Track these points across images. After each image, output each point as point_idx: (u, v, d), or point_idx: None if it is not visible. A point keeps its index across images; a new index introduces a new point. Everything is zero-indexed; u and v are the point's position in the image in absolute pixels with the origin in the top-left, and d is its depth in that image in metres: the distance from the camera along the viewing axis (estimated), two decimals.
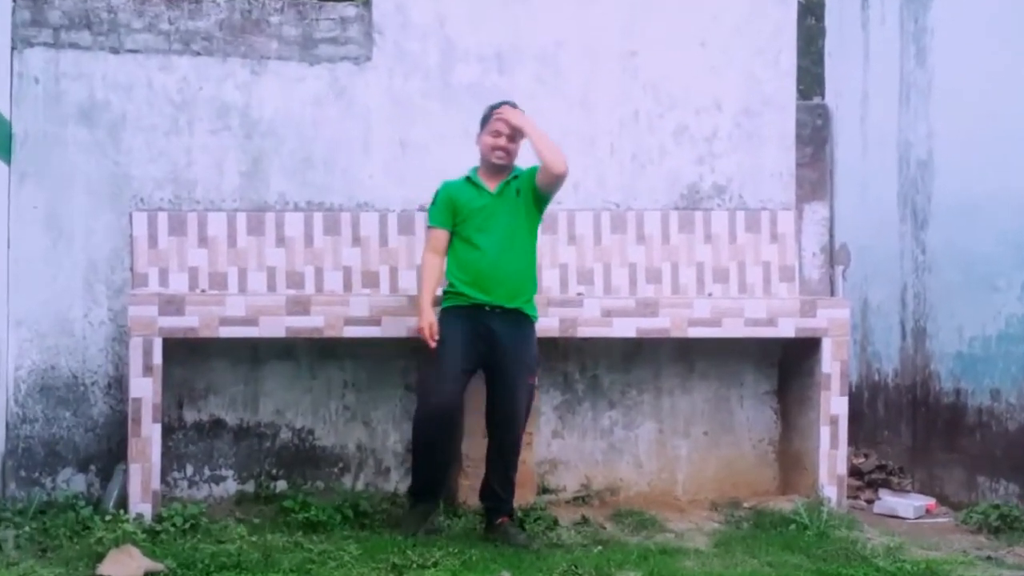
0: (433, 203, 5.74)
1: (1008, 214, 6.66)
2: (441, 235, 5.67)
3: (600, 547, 5.62)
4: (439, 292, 5.68)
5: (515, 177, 5.67)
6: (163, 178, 6.25)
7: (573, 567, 5.18)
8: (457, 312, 5.59)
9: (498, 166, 5.65)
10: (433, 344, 5.53)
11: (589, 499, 6.47)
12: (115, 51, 6.23)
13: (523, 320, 5.62)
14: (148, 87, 6.25)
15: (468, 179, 5.69)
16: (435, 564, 5.17)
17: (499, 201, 5.62)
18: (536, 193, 5.63)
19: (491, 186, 5.64)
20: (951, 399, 7.17)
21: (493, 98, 6.41)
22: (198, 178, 6.28)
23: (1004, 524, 6.35)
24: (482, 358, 5.58)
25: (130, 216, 6.19)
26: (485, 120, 5.71)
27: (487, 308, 5.56)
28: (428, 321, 5.55)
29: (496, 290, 5.56)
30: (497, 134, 5.63)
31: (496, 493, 5.67)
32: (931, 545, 5.98)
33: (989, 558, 5.77)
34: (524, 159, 5.72)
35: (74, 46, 6.19)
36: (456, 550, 5.38)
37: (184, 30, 6.27)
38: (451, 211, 5.65)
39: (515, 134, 5.64)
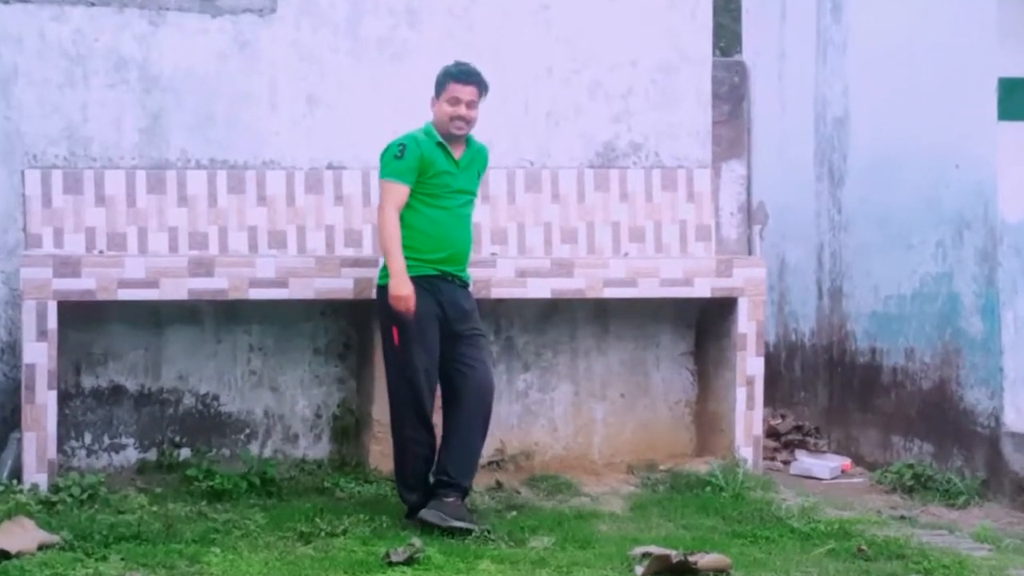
0: (400, 156, 5.36)
1: (922, 171, 6.71)
2: (405, 192, 5.36)
3: (514, 512, 5.60)
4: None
5: (477, 152, 5.57)
6: (57, 134, 6.06)
7: (485, 532, 5.15)
8: (421, 282, 5.33)
9: (457, 136, 5.47)
10: (411, 316, 5.27)
11: (503, 464, 6.42)
12: (4, 1, 6.00)
13: (467, 287, 5.52)
14: (40, 38, 6.05)
15: (438, 143, 5.43)
16: (344, 532, 5.13)
17: (461, 171, 5.48)
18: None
19: (456, 154, 5.48)
20: (867, 359, 7.24)
21: (403, 52, 6.33)
22: (94, 134, 6.10)
23: (918, 483, 6.46)
24: (444, 328, 5.41)
25: (22, 174, 6.00)
26: (440, 86, 5.45)
27: (447, 277, 5.42)
28: (408, 291, 5.25)
29: (455, 259, 5.45)
30: (456, 101, 5.39)
31: (463, 465, 5.35)
32: (846, 505, 6.05)
33: (903, 517, 5.87)
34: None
35: None
36: (366, 517, 5.33)
37: None
38: (418, 170, 5.38)
39: (475, 101, 5.45)
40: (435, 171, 5.39)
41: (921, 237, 6.73)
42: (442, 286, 5.40)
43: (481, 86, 5.47)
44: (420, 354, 5.35)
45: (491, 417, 5.48)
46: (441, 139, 5.43)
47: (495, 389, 5.59)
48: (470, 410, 5.39)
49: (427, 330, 5.35)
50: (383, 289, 5.37)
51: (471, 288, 5.56)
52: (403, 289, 5.25)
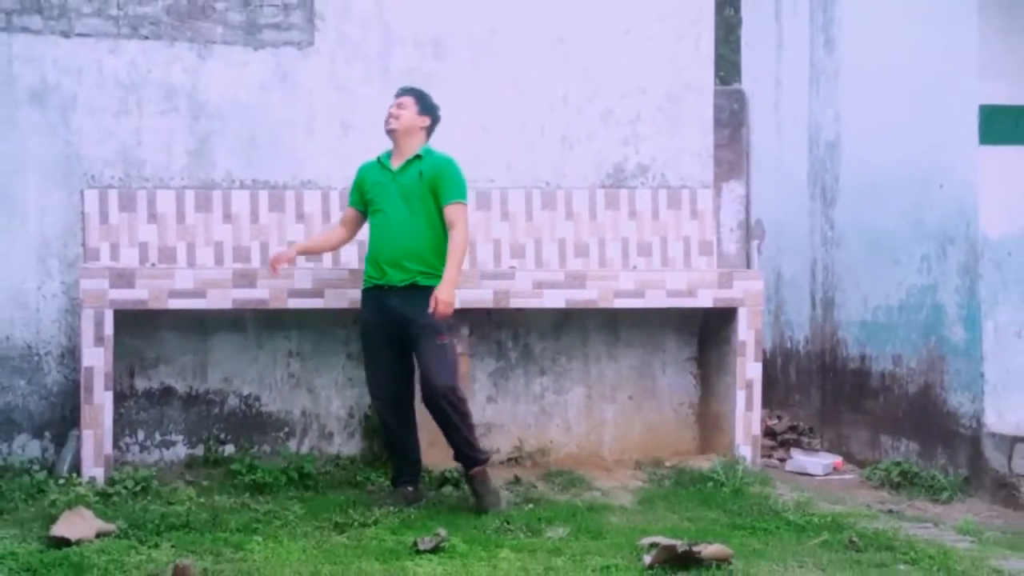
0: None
1: (907, 192, 6.72)
2: (349, 211, 5.74)
3: (531, 505, 5.61)
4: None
5: (418, 157, 5.50)
6: (113, 158, 6.11)
7: (505, 523, 5.18)
8: (367, 297, 5.53)
9: (401, 144, 5.51)
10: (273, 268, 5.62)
11: (521, 460, 6.45)
12: (66, 35, 6.07)
13: (419, 291, 5.39)
14: (98, 70, 6.10)
15: (379, 159, 5.60)
16: (375, 522, 5.14)
17: (397, 179, 5.49)
18: (436, 196, 5.48)
19: (394, 164, 5.54)
20: (857, 364, 7.24)
21: (430, 82, 6.36)
22: (147, 158, 6.15)
23: (905, 480, 6.45)
24: (399, 339, 5.45)
25: (82, 194, 6.05)
26: None
27: (385, 287, 5.46)
28: (278, 253, 5.72)
29: (388, 270, 5.44)
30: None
31: (460, 452, 5.50)
32: (837, 500, 6.04)
33: (891, 511, 5.85)
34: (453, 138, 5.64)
35: (26, 30, 6.02)
36: (396, 509, 5.36)
37: (132, 15, 6.12)
38: (360, 190, 5.64)
39: (404, 102, 5.53)
40: (368, 185, 5.60)
41: (907, 252, 6.74)
42: (381, 296, 5.47)
43: (411, 92, 5.60)
44: (371, 372, 5.58)
45: (453, 400, 5.37)
46: (385, 155, 5.58)
47: (449, 383, 5.37)
48: (432, 411, 5.45)
49: (375, 344, 5.51)
50: None
51: (431, 288, 5.38)
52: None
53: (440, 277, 5.37)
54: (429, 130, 5.59)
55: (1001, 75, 6.09)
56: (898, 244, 6.81)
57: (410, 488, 5.58)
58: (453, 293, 5.35)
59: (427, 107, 5.59)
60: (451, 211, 5.44)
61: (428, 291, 5.37)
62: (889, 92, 6.92)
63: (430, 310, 5.30)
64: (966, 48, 6.20)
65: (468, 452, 5.49)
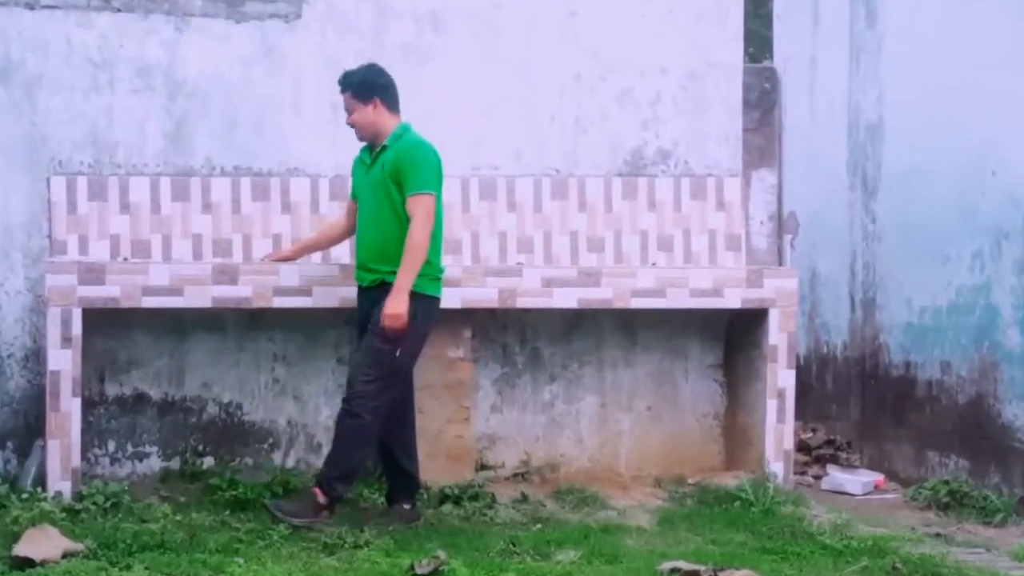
0: None
1: (959, 181, 6.72)
2: (349, 202, 5.83)
3: (539, 525, 5.63)
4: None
5: (384, 148, 5.51)
6: (82, 140, 6.14)
7: (511, 546, 5.19)
8: (357, 297, 5.67)
9: (367, 139, 5.60)
10: None
11: (529, 476, 6.47)
12: (30, 7, 6.09)
13: (387, 290, 5.40)
14: (66, 45, 6.12)
15: (362, 150, 5.66)
16: (367, 544, 5.16)
17: (369, 174, 5.55)
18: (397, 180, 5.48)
19: (371, 156, 5.60)
20: (901, 372, 7.24)
21: (428, 58, 6.41)
22: (119, 140, 6.17)
23: (954, 500, 6.43)
24: None
25: (48, 180, 6.07)
26: None
27: (361, 288, 5.58)
28: (277, 254, 6.01)
29: (360, 271, 5.57)
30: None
31: (324, 463, 5.61)
32: (879, 522, 6.05)
33: (938, 535, 5.85)
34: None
35: None
36: (390, 529, 5.37)
37: None
38: (353, 184, 5.77)
39: (351, 107, 5.54)
40: (354, 179, 5.72)
41: (957, 248, 6.73)
42: (360, 296, 5.62)
43: (346, 87, 5.55)
44: None
45: (348, 408, 5.42)
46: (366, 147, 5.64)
47: (355, 388, 5.41)
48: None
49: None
50: None
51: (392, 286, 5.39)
52: None
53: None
54: (389, 106, 5.53)
55: None
56: (947, 239, 6.81)
57: (406, 506, 5.60)
58: (401, 305, 5.31)
59: (366, 91, 5.51)
60: (409, 204, 5.39)
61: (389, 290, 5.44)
62: (937, 69, 6.91)
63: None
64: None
65: (325, 469, 5.50)
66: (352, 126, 5.57)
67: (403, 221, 5.40)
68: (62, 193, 6.06)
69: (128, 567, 4.73)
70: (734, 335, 6.74)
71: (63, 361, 5.62)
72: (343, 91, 5.58)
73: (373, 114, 5.50)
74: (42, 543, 4.80)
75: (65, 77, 6.12)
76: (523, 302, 6.16)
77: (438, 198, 5.47)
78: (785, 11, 8.80)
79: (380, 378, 5.39)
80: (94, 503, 5.46)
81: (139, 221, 6.14)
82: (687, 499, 6.19)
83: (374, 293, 5.46)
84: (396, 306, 5.30)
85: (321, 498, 5.41)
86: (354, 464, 5.48)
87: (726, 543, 5.45)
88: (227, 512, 5.55)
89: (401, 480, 5.65)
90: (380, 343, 5.36)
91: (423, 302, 5.41)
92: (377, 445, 5.60)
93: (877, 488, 6.98)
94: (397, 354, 5.38)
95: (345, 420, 5.45)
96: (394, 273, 5.36)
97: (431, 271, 5.46)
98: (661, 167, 6.76)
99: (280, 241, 6.26)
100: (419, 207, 5.36)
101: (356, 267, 5.62)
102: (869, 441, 7.55)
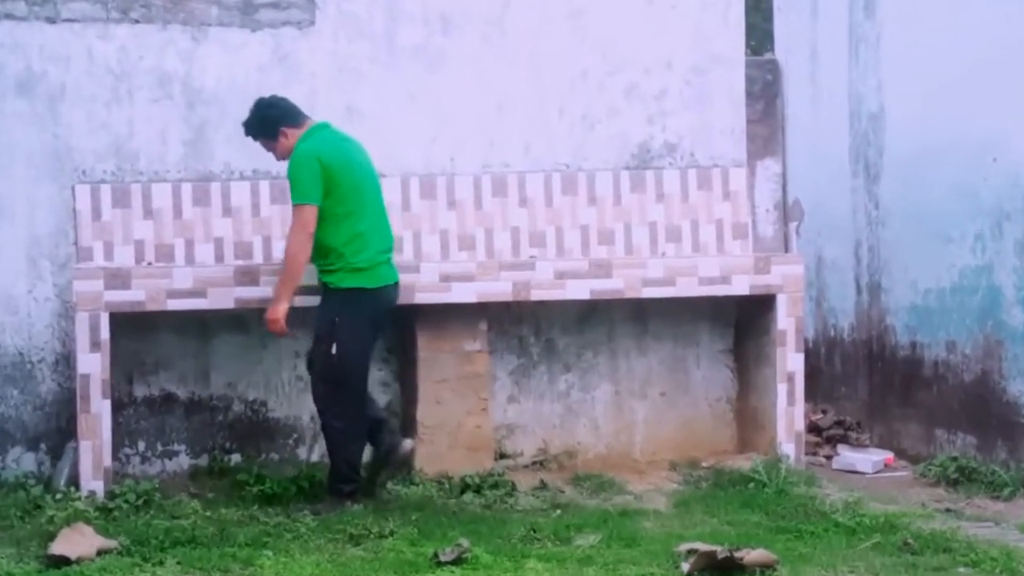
0: None
1: (959, 164, 6.70)
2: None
3: (559, 511, 5.64)
4: None
5: None
6: (105, 150, 6.16)
7: (532, 532, 5.20)
8: None
9: None
10: None
11: (547, 463, 6.48)
12: (51, 21, 6.12)
13: (322, 288, 5.62)
14: (87, 57, 6.15)
15: None
16: (392, 533, 5.17)
17: None
18: None
19: None
20: (907, 353, 7.23)
21: (439, 61, 6.43)
22: (141, 149, 6.20)
23: (962, 476, 6.42)
24: None
25: (72, 189, 6.10)
26: None
27: None
28: None
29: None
30: None
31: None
32: (890, 499, 6.04)
33: (948, 510, 5.84)
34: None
35: (9, 16, 6.08)
36: (414, 518, 5.39)
37: None
38: None
39: (269, 149, 5.71)
40: None
41: (960, 230, 6.72)
42: None
43: (253, 135, 5.72)
44: None
45: (323, 419, 5.68)
46: None
47: (315, 403, 5.70)
48: None
49: None
50: None
51: (329, 288, 5.60)
52: None
53: (331, 272, 5.56)
54: (294, 124, 5.62)
55: None
56: (949, 222, 6.80)
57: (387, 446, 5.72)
58: (278, 310, 5.51)
59: (269, 128, 5.66)
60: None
61: (326, 288, 5.59)
62: (936, 58, 6.89)
63: None
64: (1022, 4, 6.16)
65: (328, 480, 5.69)
66: (284, 159, 5.65)
67: (319, 224, 5.52)
68: (87, 201, 6.09)
69: (161, 563, 4.76)
70: (743, 321, 6.74)
71: (92, 364, 5.65)
72: (254, 139, 5.73)
73: (287, 141, 5.63)
74: (77, 542, 4.83)
75: (86, 89, 6.15)
76: (537, 294, 6.18)
77: (335, 200, 5.51)
78: (785, 4, 8.78)
79: (325, 380, 5.57)
80: (126, 501, 5.49)
81: (162, 226, 6.17)
82: (702, 482, 6.20)
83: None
84: (272, 311, 5.55)
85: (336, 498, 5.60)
86: (347, 463, 5.63)
87: (741, 524, 5.46)
88: (255, 506, 5.58)
89: (374, 436, 5.73)
90: (314, 344, 5.60)
91: (341, 296, 5.54)
92: (366, 435, 5.69)
93: (887, 466, 6.97)
94: (333, 351, 5.50)
95: (324, 431, 5.71)
96: (322, 271, 5.59)
97: (346, 265, 5.54)
98: (668, 160, 6.76)
99: None
100: (293, 217, 5.52)
101: None
102: (878, 421, 7.54)
